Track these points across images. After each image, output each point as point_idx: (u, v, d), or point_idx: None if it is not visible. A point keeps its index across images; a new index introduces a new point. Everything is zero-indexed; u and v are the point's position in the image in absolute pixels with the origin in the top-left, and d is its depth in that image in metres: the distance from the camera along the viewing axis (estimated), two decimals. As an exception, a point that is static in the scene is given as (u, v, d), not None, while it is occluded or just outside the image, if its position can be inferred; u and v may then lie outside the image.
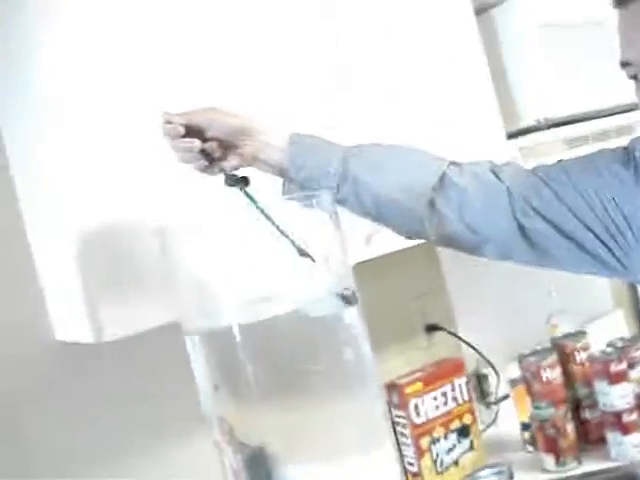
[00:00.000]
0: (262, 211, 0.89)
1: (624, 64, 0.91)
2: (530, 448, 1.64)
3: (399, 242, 1.26)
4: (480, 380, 1.88)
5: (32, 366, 1.29)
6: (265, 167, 1.04)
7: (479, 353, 1.89)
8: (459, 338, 1.90)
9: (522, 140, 1.67)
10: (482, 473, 1.51)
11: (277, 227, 0.86)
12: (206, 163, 0.99)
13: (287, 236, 0.86)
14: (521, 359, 1.65)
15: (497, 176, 1.03)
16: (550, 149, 1.68)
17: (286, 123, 1.06)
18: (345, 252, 0.92)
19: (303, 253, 0.87)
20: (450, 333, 1.91)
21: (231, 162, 1.00)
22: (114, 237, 1.06)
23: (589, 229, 0.97)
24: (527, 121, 1.70)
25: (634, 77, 0.91)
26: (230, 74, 1.22)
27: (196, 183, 1.03)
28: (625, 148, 0.99)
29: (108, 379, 1.35)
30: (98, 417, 1.33)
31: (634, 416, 1.49)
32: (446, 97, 1.51)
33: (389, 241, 1.24)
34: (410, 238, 1.12)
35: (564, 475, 1.52)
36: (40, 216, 1.22)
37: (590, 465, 1.53)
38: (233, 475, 0.87)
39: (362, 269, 0.99)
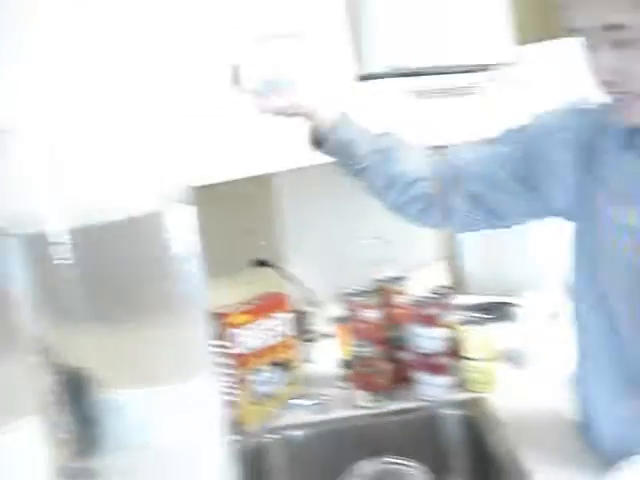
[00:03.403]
0: None
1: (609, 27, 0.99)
2: (342, 384, 1.69)
3: (238, 171, 1.24)
4: (300, 317, 1.91)
5: None
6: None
7: (306, 289, 1.92)
8: (288, 274, 1.92)
9: (370, 84, 1.69)
10: (297, 402, 1.54)
11: None
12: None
13: None
14: (345, 298, 1.68)
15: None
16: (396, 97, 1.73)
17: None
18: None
19: None
20: (278, 269, 1.93)
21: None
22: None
23: None
24: (377, 67, 1.72)
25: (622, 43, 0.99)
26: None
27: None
28: None
29: None
30: None
31: (443, 359, 1.58)
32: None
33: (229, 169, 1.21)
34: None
35: (376, 411, 1.58)
36: None
37: (400, 403, 1.60)
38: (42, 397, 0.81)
39: (200, 194, 0.96)
